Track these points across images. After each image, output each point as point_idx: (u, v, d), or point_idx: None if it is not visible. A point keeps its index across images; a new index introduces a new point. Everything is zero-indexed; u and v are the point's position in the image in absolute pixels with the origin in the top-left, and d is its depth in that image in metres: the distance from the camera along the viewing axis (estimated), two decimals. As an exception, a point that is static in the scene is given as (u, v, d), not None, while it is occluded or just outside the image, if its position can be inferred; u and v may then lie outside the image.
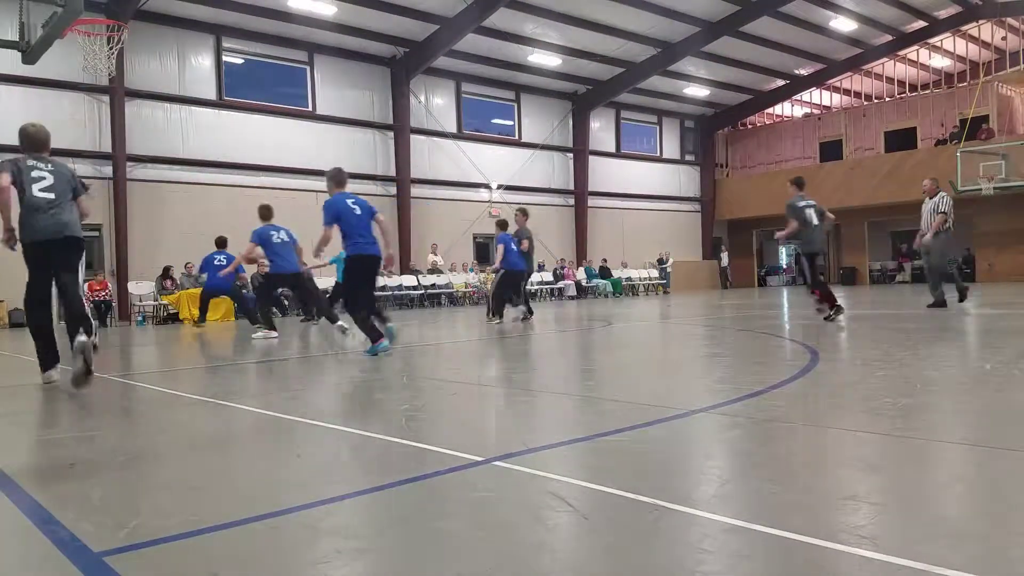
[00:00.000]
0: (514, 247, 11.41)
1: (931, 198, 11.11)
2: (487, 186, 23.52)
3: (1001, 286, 19.86)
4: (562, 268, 23.98)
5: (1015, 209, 23.72)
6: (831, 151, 28.72)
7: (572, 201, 25.97)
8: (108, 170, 16.89)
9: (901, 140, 26.82)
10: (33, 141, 5.57)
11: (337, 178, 7.32)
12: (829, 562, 1.75)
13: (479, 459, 2.80)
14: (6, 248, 5.34)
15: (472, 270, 21.93)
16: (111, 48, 11.90)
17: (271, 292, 11.42)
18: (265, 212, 10.18)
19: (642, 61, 23.98)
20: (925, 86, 27.54)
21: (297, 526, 2.15)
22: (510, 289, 11.52)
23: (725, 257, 29.81)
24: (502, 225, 11.83)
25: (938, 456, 2.80)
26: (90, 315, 5.39)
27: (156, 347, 9.02)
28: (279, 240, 9.94)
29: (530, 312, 11.52)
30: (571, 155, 25.98)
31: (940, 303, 10.67)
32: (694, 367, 5.73)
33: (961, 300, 10.79)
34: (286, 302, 16.47)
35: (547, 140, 25.21)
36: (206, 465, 3.04)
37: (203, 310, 13.54)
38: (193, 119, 18.19)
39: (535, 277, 23.08)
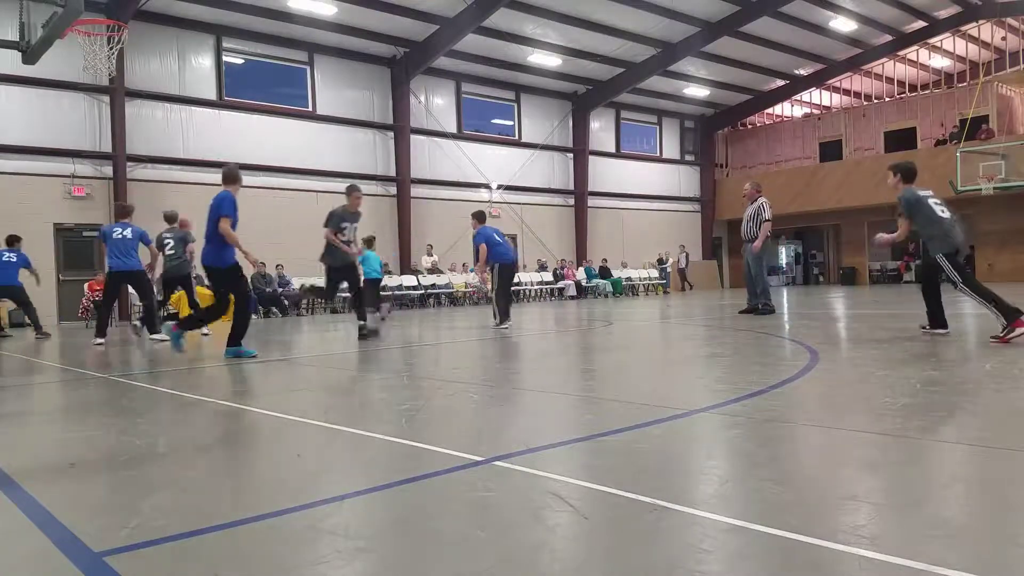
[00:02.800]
0: (497, 239, 10.56)
1: (752, 203, 10.89)
2: (487, 186, 23.51)
3: (1001, 286, 19.81)
4: (562, 268, 23.97)
5: (1015, 209, 23.71)
6: (831, 151, 28.69)
7: (572, 201, 25.96)
8: (108, 170, 16.90)
9: (901, 140, 26.78)
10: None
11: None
12: (829, 562, 1.75)
13: (479, 459, 2.80)
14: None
15: (472, 270, 21.88)
16: (111, 48, 11.87)
17: (116, 293, 10.54)
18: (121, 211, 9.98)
19: (642, 61, 23.97)
20: (925, 86, 27.53)
21: (297, 526, 2.15)
22: (510, 285, 10.85)
23: (684, 258, 27.14)
24: (479, 217, 10.76)
25: (938, 456, 2.80)
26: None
27: (155, 346, 9.02)
28: (120, 236, 9.44)
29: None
30: (571, 155, 25.97)
31: (769, 310, 10.56)
32: (694, 367, 5.73)
33: (745, 311, 10.76)
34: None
35: (547, 140, 25.20)
36: (206, 465, 3.04)
37: None
38: (193, 119, 18.19)
39: (535, 277, 23.12)
